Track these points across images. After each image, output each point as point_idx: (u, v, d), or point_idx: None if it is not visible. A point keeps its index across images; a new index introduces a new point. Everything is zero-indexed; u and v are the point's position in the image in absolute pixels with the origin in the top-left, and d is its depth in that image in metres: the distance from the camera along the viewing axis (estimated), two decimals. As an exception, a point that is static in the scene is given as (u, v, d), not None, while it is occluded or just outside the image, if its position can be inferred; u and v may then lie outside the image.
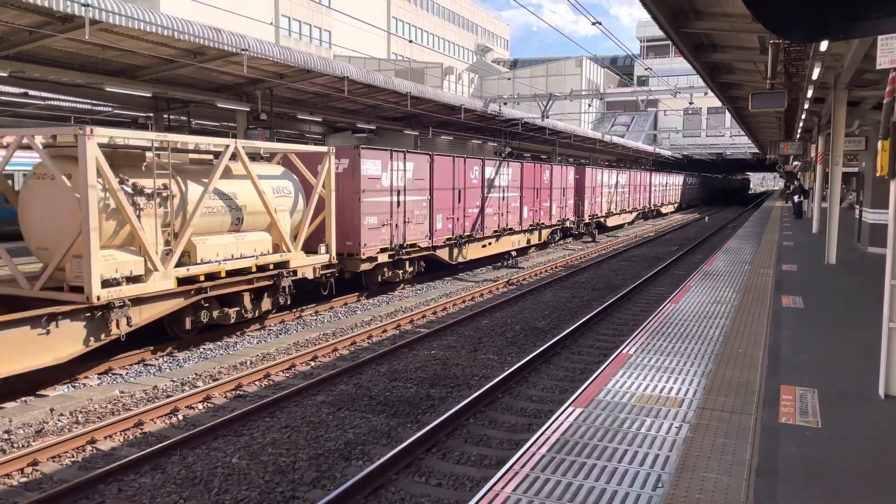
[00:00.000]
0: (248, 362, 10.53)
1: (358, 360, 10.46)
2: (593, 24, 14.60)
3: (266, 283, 12.21)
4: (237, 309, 11.80)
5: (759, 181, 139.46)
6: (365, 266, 15.03)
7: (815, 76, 11.56)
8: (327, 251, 13.65)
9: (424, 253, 17.47)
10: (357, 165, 14.69)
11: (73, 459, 7.05)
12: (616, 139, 43.15)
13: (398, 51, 63.34)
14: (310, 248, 13.48)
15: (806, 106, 16.27)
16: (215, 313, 11.46)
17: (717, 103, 26.03)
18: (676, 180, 55.06)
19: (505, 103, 27.60)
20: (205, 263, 10.99)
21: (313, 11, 52.99)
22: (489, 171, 20.78)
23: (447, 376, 9.79)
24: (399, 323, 13.06)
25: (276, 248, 12.54)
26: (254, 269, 11.97)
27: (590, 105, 60.50)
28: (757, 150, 52.66)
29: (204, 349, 11.23)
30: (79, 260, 9.25)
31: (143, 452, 6.85)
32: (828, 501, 4.10)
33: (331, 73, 15.56)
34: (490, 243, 21.15)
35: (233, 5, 37.18)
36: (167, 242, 10.43)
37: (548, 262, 22.24)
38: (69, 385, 9.31)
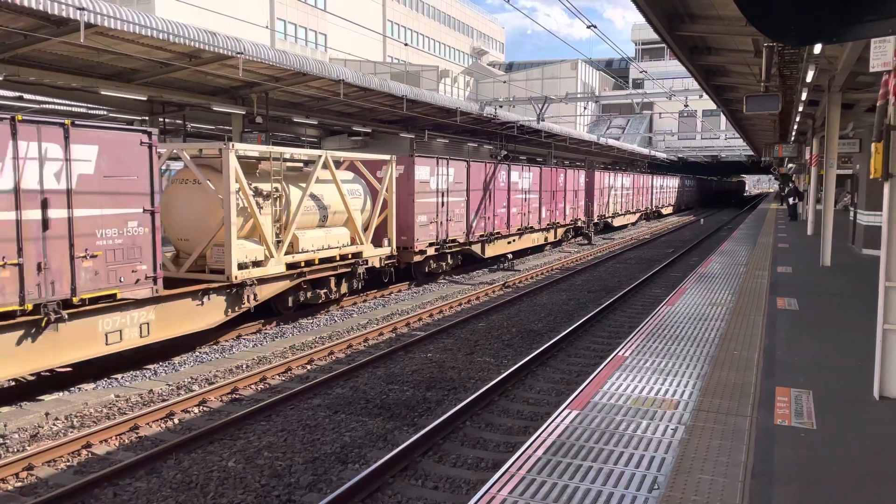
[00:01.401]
0: (245, 366, 10.51)
1: (354, 363, 10.46)
2: (588, 27, 14.64)
3: (345, 269, 14.61)
4: (325, 291, 14.13)
5: (755, 183, 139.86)
6: (417, 258, 17.38)
7: (809, 79, 11.61)
8: (389, 244, 16.06)
9: (462, 247, 19.84)
10: (412, 171, 16.99)
11: (68, 464, 7.03)
12: (611, 142, 43.24)
13: (394, 54, 63.40)
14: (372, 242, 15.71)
15: (800, 108, 16.33)
16: (309, 294, 13.73)
17: (713, 106, 26.11)
18: (674, 183, 56.66)
19: (500, 106, 27.63)
20: (304, 252, 13.39)
21: (309, 15, 53.02)
22: (514, 175, 23.12)
23: (444, 379, 9.79)
24: (395, 326, 13.05)
25: (352, 242, 14.88)
26: (338, 258, 14.35)
27: (585, 108, 60.62)
28: (752, 153, 52.80)
29: (200, 353, 11.22)
30: (219, 248, 11.64)
31: (138, 456, 6.84)
32: (823, 503, 4.12)
33: (326, 77, 15.57)
34: (514, 240, 23.33)
35: (228, 9, 37.16)
36: (277, 235, 12.66)
37: (544, 265, 22.26)
38: (64, 389, 9.28)
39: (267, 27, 41.69)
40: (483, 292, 16.92)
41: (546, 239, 26.62)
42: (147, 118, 18.40)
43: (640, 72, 32.73)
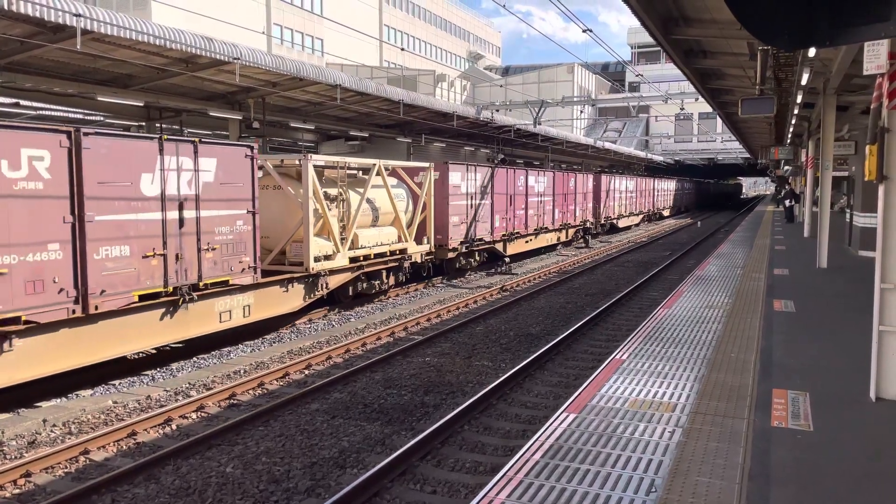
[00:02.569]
0: (242, 371, 10.50)
1: (352, 367, 10.45)
2: (584, 31, 14.69)
3: (393, 264, 16.53)
4: (377, 282, 16.05)
5: (751, 185, 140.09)
6: (451, 254, 19.29)
7: (803, 81, 11.65)
8: (428, 242, 18.02)
9: (487, 245, 21.60)
10: (446, 176, 18.88)
11: (66, 470, 7.02)
12: (608, 145, 43.31)
13: (390, 58, 63.46)
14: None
15: (796, 111, 16.39)
16: (364, 284, 15.61)
17: (709, 109, 26.17)
18: (674, 185, 58.06)
19: (497, 110, 27.67)
20: (362, 248, 15.23)
21: (305, 20, 53.07)
22: (531, 180, 25.07)
23: (442, 383, 9.79)
24: (393, 330, 13.05)
25: (398, 240, 16.71)
26: (388, 254, 16.17)
27: (582, 111, 60.71)
28: (748, 155, 52.92)
29: (197, 358, 11.21)
30: (297, 244, 13.62)
31: (136, 463, 6.83)
32: (820, 504, 4.12)
33: (323, 81, 15.59)
34: (531, 239, 25.34)
35: (225, 14, 37.19)
36: (341, 233, 14.44)
37: (541, 268, 22.28)
38: (62, 395, 9.27)
39: (263, 32, 41.71)
40: (481, 296, 16.93)
41: (559, 238, 28.59)
42: (144, 124, 18.40)
43: (637, 75, 32.84)
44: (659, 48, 12.52)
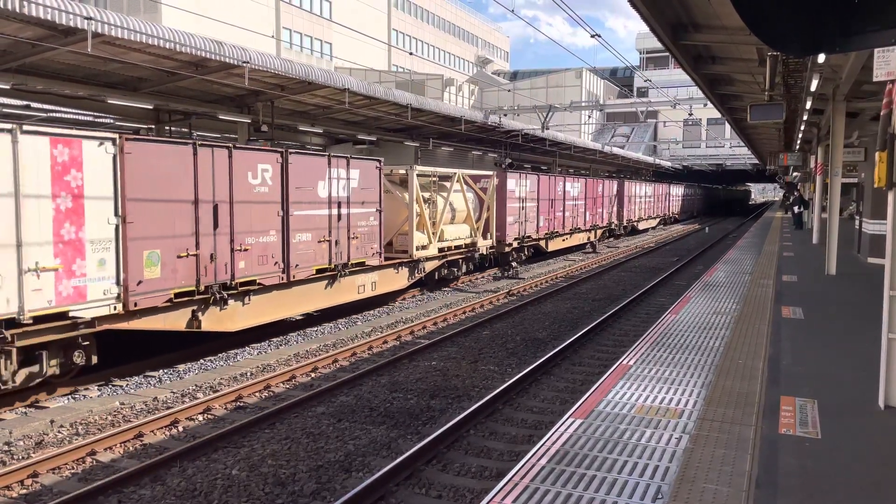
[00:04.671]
0: (249, 373, 10.52)
1: (358, 371, 10.46)
2: (592, 36, 14.67)
3: (468, 254, 19.82)
4: (455, 269, 19.32)
5: (760, 191, 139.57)
6: (507, 248, 22.35)
7: (813, 88, 11.60)
8: (490, 237, 21.20)
9: (534, 242, 24.81)
10: (504, 183, 22.06)
11: (72, 471, 7.04)
12: (616, 150, 43.21)
13: (399, 63, 63.59)
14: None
15: (805, 117, 16.32)
16: (445, 271, 18.90)
17: (717, 114, 26.12)
18: (686, 191, 60.58)
19: (505, 114, 27.65)
20: (446, 241, 18.55)
21: (314, 24, 53.26)
22: (567, 185, 28.49)
23: (448, 387, 9.78)
24: (399, 334, 13.05)
25: (470, 235, 19.97)
26: (463, 246, 19.49)
27: (590, 116, 60.66)
28: (757, 161, 52.72)
29: (204, 360, 11.23)
30: (403, 236, 16.96)
31: (142, 464, 6.85)
32: (828, 513, 4.10)
33: (332, 85, 15.62)
34: (566, 238, 28.62)
35: (234, 18, 37.38)
36: (433, 228, 17.61)
37: (548, 273, 22.24)
38: (69, 396, 9.31)
39: (273, 36, 41.87)
40: (487, 300, 16.91)
41: (588, 238, 31.79)
42: (153, 126, 18.48)
43: (645, 80, 32.84)
44: (667, 54, 12.49)
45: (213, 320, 11.02)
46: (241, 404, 9.15)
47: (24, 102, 15.67)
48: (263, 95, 16.29)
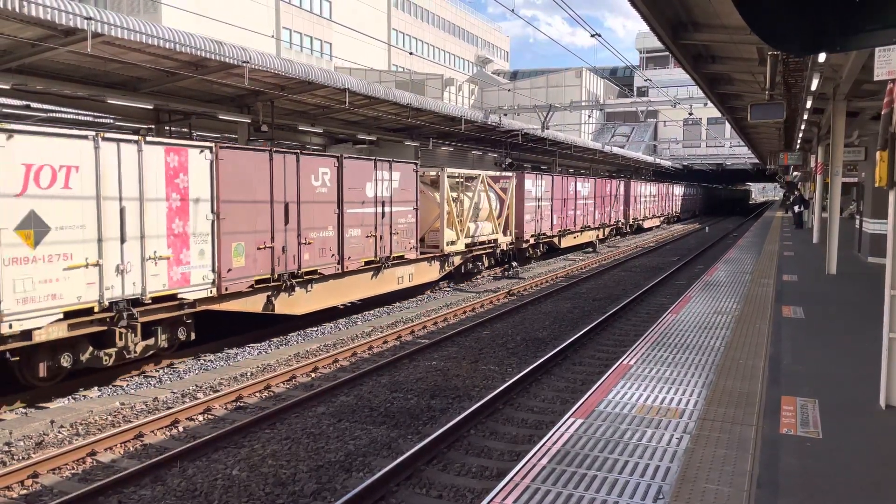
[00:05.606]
0: (249, 373, 10.52)
1: (359, 371, 10.45)
2: (592, 35, 14.66)
3: (490, 250, 21.23)
4: (479, 263, 20.73)
5: (760, 191, 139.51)
6: (524, 245, 24.00)
7: (813, 87, 11.58)
8: (510, 234, 22.74)
9: (548, 239, 26.34)
10: (522, 183, 23.60)
11: (73, 472, 7.04)
12: (616, 150, 43.20)
13: (399, 62, 63.56)
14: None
15: (805, 117, 16.30)
16: (470, 265, 20.20)
17: (717, 114, 26.11)
18: (688, 191, 61.34)
19: (505, 114, 27.62)
20: (472, 237, 19.89)
21: (314, 24, 53.24)
22: (578, 185, 29.96)
23: (448, 387, 9.77)
24: (400, 334, 13.05)
25: (492, 232, 21.27)
26: (487, 242, 20.84)
27: (590, 116, 60.64)
28: (757, 161, 52.68)
29: (204, 361, 11.23)
30: (434, 233, 18.31)
31: (143, 464, 6.84)
32: (829, 512, 4.09)
33: (332, 85, 15.61)
34: (577, 235, 30.01)
35: (234, 18, 37.37)
36: (460, 225, 18.94)
37: (548, 273, 22.23)
38: (70, 397, 9.31)
39: (273, 36, 41.83)
40: (488, 300, 16.91)
41: (598, 236, 33.03)
42: (153, 126, 18.47)
43: (645, 80, 32.84)
44: (667, 53, 12.48)
45: (284, 304, 12.70)
46: (242, 404, 9.15)
47: (24, 102, 15.67)
48: (263, 95, 16.28)
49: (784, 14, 1.93)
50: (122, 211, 9.51)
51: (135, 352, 9.93)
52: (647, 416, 5.75)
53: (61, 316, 8.80)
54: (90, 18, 10.06)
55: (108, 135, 9.41)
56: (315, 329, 13.63)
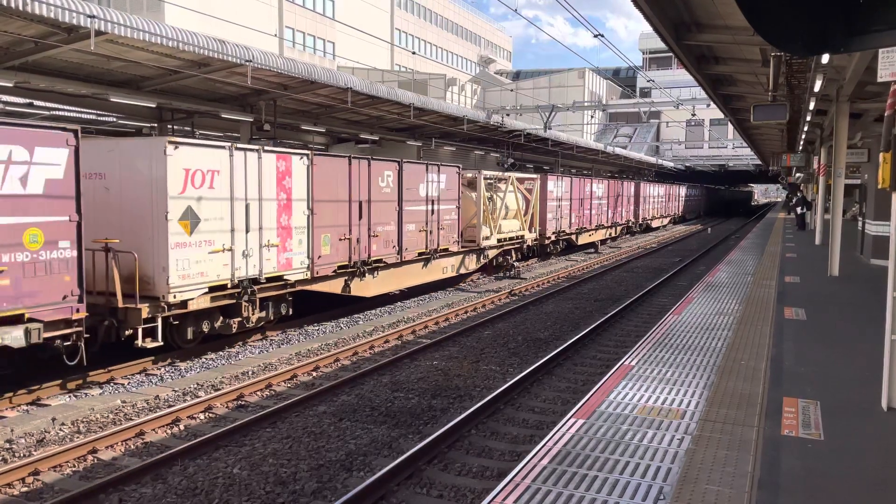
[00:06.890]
0: (250, 372, 10.53)
1: (360, 370, 10.45)
2: (595, 36, 14.64)
3: (517, 246, 22.88)
4: (509, 257, 22.40)
5: (762, 192, 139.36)
6: (546, 241, 26.01)
7: (816, 88, 11.57)
8: (535, 231, 24.48)
9: (567, 236, 28.28)
10: (545, 184, 25.47)
11: (74, 469, 7.05)
12: (618, 150, 43.19)
13: (401, 62, 63.56)
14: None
15: (808, 118, 16.28)
16: (501, 259, 21.91)
17: (720, 115, 26.11)
18: (693, 192, 62.21)
19: (507, 114, 27.63)
20: (503, 233, 21.56)
21: (317, 23, 53.25)
22: (594, 186, 31.69)
23: (449, 387, 9.77)
24: (401, 333, 13.05)
25: (520, 229, 22.95)
26: (515, 238, 22.52)
27: (592, 116, 60.60)
28: (760, 162, 52.64)
29: (206, 359, 11.24)
30: (471, 229, 20.05)
31: (144, 462, 6.85)
32: (831, 514, 4.08)
33: (334, 85, 15.62)
34: (593, 233, 31.87)
35: (237, 17, 37.39)
36: (493, 222, 20.60)
37: (550, 273, 22.23)
38: (71, 394, 9.32)
39: (276, 35, 41.84)
40: (489, 300, 16.91)
41: (610, 234, 34.99)
42: (156, 125, 18.49)
43: (648, 81, 32.82)
44: (670, 54, 12.47)
45: (357, 287, 14.89)
46: (243, 403, 9.15)
47: (27, 100, 15.68)
48: (266, 94, 16.29)
49: (787, 15, 1.93)
50: (247, 206, 11.69)
51: (252, 322, 11.95)
52: (649, 416, 5.75)
53: (206, 290, 10.98)
54: (93, 16, 10.07)
55: (238, 145, 11.54)
56: (316, 328, 13.64)
